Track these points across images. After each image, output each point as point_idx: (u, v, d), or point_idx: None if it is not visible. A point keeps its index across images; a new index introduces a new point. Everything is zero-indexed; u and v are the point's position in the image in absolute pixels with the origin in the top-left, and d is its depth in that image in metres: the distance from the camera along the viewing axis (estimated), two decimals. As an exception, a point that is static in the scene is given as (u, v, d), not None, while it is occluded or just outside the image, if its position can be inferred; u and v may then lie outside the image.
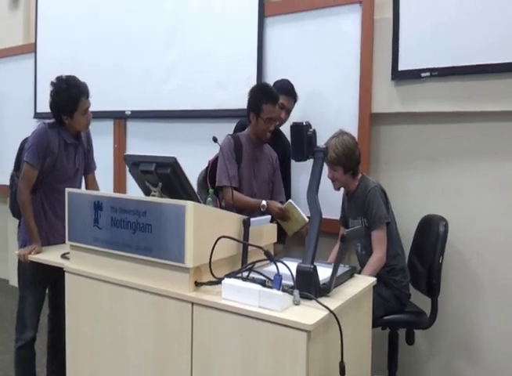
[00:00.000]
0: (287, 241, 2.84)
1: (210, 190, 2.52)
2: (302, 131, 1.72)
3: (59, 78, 2.27)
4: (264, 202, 2.52)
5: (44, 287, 2.36)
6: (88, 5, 3.97)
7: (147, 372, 1.65)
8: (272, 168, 2.74)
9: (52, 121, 2.28)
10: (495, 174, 2.51)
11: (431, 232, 2.37)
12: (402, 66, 2.64)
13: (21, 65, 4.43)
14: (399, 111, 2.69)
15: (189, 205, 1.52)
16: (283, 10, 3.04)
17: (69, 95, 2.20)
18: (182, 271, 1.55)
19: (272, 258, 1.52)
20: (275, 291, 1.42)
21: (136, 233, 1.64)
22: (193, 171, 2.82)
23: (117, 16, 3.80)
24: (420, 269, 2.40)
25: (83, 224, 1.80)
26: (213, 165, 2.68)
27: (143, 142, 3.70)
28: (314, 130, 1.73)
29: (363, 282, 1.77)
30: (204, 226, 1.57)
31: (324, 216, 2.70)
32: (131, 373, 1.70)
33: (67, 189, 1.87)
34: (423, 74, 2.58)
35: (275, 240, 1.99)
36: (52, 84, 2.26)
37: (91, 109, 3.79)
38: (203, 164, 2.82)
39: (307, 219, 2.55)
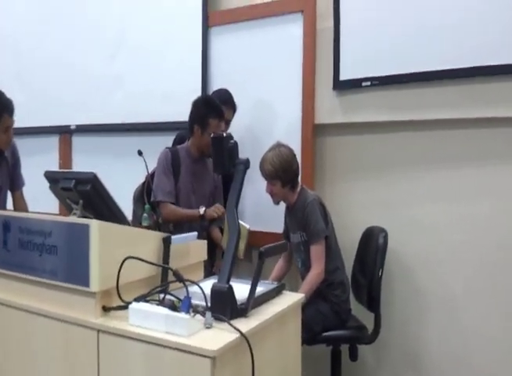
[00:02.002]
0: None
1: (146, 206, 2.43)
2: (222, 143, 1.65)
3: None
4: (202, 209, 2.43)
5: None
6: (33, 19, 3.84)
7: (56, 404, 1.54)
8: (214, 182, 2.66)
9: None
10: (438, 183, 2.48)
11: (372, 244, 2.33)
12: (343, 76, 2.62)
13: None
14: (342, 121, 2.65)
15: (94, 224, 1.43)
16: (226, 20, 3.00)
17: None
18: (87, 296, 1.45)
19: (182, 279, 1.43)
20: (182, 315, 1.33)
21: (43, 256, 1.53)
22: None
23: (62, 28, 3.68)
24: (362, 282, 2.34)
25: (-8, 246, 1.69)
26: (151, 180, 2.59)
27: (90, 158, 3.58)
28: (235, 142, 1.66)
29: (290, 299, 1.69)
30: (114, 247, 1.47)
31: (268, 230, 2.71)
32: (41, 405, 1.58)
33: (-23, 210, 1.76)
34: (363, 84, 2.56)
35: (204, 257, 1.91)
36: None
37: (35, 124, 3.68)
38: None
39: (248, 226, 2.47)
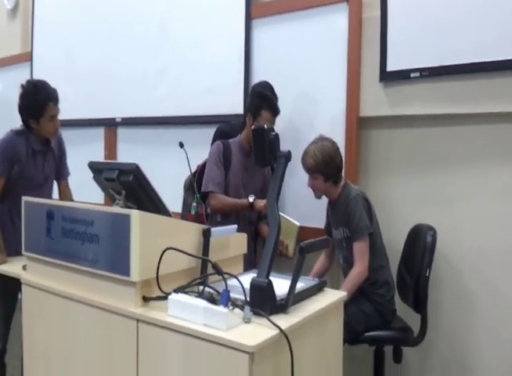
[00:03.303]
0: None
1: (196, 195, 2.45)
2: (263, 135, 1.60)
3: (28, 81, 2.24)
4: (251, 198, 2.42)
5: (14, 298, 2.30)
6: (81, 15, 3.94)
7: (96, 392, 1.55)
8: (264, 178, 2.64)
9: (19, 128, 2.23)
10: (491, 180, 2.33)
11: (419, 242, 2.22)
12: (390, 67, 2.50)
13: (19, 73, 4.43)
14: (388, 114, 2.55)
15: (134, 214, 1.42)
16: (269, 12, 2.93)
17: (36, 99, 2.15)
18: (128, 285, 1.45)
19: (221, 272, 1.41)
20: (220, 308, 1.31)
21: (85, 244, 1.55)
22: (183, 176, 2.76)
23: (107, 24, 3.76)
24: (409, 281, 2.25)
25: (37, 234, 1.72)
26: (201, 170, 2.60)
27: (134, 148, 3.63)
28: (276, 134, 1.62)
29: (331, 297, 1.64)
30: (155, 237, 1.47)
31: (310, 225, 2.65)
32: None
33: (23, 198, 1.79)
34: (412, 75, 2.44)
35: (244, 250, 1.88)
36: (22, 86, 2.22)
37: (82, 116, 3.78)
38: (193, 169, 2.75)
39: (298, 223, 2.43)
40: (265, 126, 1.61)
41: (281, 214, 2.43)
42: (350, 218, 2.16)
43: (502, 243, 2.30)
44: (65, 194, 2.43)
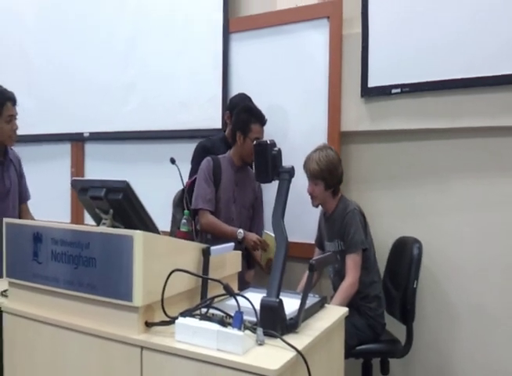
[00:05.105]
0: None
1: (186, 212, 2.38)
2: (266, 151, 1.57)
3: None
4: (241, 230, 2.39)
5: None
6: (43, 23, 3.77)
7: (92, 427, 1.44)
8: (254, 194, 2.62)
9: None
10: (472, 193, 2.41)
11: (405, 255, 2.25)
12: (371, 83, 2.55)
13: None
14: (369, 129, 2.59)
15: (138, 235, 1.35)
16: (248, 26, 2.93)
17: None
18: (129, 311, 1.36)
19: (232, 293, 1.35)
20: (235, 331, 1.25)
21: (79, 268, 1.45)
22: (155, 194, 2.66)
23: (74, 35, 3.62)
24: (394, 294, 2.27)
25: (21, 258, 1.59)
26: (190, 186, 2.54)
27: (103, 165, 3.50)
28: (279, 149, 1.59)
29: (335, 313, 1.62)
30: (157, 258, 1.39)
31: (296, 240, 2.63)
32: None
33: (5, 220, 1.66)
34: (393, 91, 2.50)
35: (239, 268, 1.83)
36: None
37: (46, 131, 3.60)
38: (165, 186, 2.67)
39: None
40: (268, 141, 1.58)
41: (268, 232, 2.43)
42: (345, 232, 2.17)
43: (483, 255, 2.37)
44: (26, 219, 2.26)
